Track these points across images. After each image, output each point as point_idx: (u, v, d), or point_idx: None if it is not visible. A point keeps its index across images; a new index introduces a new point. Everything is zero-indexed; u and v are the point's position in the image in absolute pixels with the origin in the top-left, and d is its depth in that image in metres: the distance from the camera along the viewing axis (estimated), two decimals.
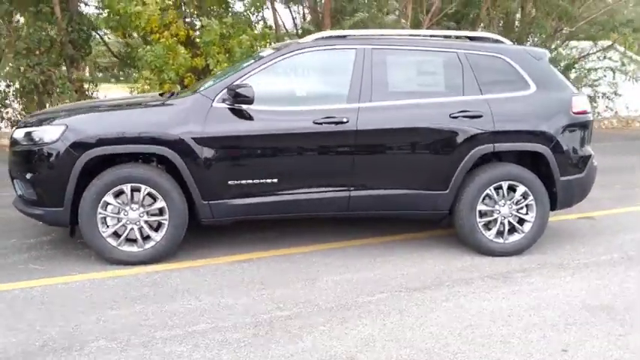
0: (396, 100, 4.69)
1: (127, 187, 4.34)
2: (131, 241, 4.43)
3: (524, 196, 4.80)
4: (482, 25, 16.00)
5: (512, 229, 4.86)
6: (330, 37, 4.91)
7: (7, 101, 11.93)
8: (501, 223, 4.81)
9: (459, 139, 4.67)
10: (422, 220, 5.34)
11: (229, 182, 4.46)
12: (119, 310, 3.67)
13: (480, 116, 4.69)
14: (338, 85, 4.71)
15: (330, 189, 4.62)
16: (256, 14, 15.00)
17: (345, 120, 4.52)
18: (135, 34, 12.92)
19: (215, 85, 4.58)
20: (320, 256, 4.76)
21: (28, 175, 4.40)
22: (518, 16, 17.33)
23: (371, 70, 4.67)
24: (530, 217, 4.84)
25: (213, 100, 4.44)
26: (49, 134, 4.31)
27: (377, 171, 4.67)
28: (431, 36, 5.34)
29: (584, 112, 4.98)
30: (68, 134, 4.28)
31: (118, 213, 4.37)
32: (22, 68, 10.98)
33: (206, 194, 4.45)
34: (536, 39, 17.51)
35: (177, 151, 4.34)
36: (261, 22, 15.12)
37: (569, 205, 5.19)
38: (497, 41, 5.18)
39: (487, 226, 4.84)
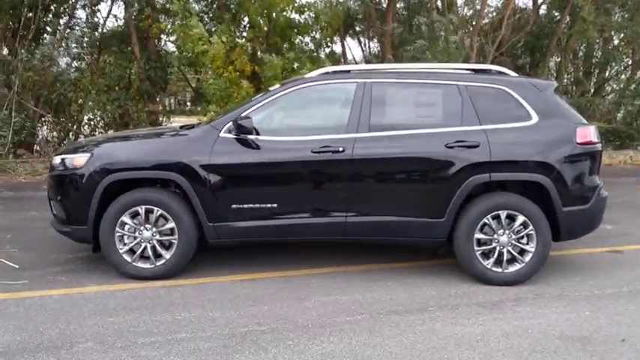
0: (393, 130, 4.91)
1: (141, 209, 4.81)
2: (145, 258, 4.88)
3: (524, 225, 4.82)
4: (553, 56, 15.69)
5: (513, 259, 4.88)
6: (335, 72, 5.22)
7: (92, 133, 13.10)
8: (500, 252, 4.85)
9: (455, 168, 4.79)
10: (423, 247, 5.42)
11: (233, 206, 4.83)
12: (115, 318, 4.10)
13: (476, 146, 4.80)
14: (338, 117, 5.00)
15: (327, 214, 4.87)
16: (325, 48, 15.59)
17: (340, 149, 4.78)
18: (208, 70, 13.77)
19: (224, 117, 5.00)
20: (319, 279, 5.00)
21: (60, 197, 4.98)
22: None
23: (370, 102, 4.92)
24: (531, 247, 4.84)
25: (220, 131, 4.86)
26: (77, 161, 4.89)
27: (372, 198, 4.88)
28: (435, 69, 5.50)
29: (590, 143, 4.95)
30: (93, 161, 4.83)
31: (134, 232, 4.84)
32: (102, 103, 12.10)
33: (212, 217, 4.84)
34: (616, 68, 16.97)
35: (186, 176, 4.77)
36: (328, 55, 15.72)
37: (575, 237, 5.14)
38: (500, 73, 5.27)
39: (486, 254, 4.89)
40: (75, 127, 13.12)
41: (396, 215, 4.87)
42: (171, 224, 4.83)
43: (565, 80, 16.75)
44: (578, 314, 4.30)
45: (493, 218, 4.83)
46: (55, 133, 13.24)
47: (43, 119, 12.86)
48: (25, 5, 12.00)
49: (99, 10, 14.29)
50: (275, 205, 4.84)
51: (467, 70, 5.36)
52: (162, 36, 13.34)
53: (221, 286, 4.81)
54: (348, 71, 5.23)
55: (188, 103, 18.26)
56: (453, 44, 12.32)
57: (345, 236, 4.94)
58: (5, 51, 12.55)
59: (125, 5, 12.49)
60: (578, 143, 4.89)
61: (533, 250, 4.84)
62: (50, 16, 12.85)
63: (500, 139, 4.83)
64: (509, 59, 15.57)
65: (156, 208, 4.81)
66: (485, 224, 4.84)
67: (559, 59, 15.93)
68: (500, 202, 4.83)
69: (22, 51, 11.60)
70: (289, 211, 4.87)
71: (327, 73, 5.20)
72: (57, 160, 5.09)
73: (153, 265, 4.87)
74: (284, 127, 5.14)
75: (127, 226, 4.83)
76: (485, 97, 4.97)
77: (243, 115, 4.86)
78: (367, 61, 16.11)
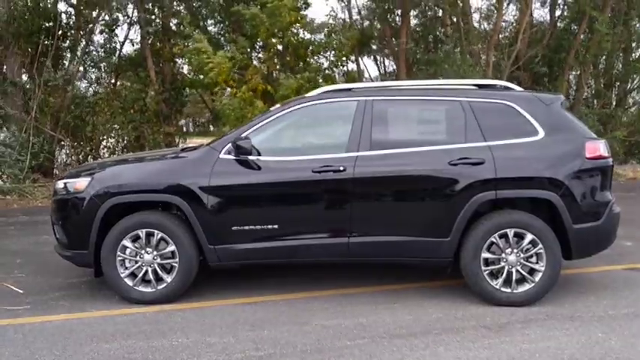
0: (395, 148, 4.81)
1: (142, 232, 4.77)
2: (146, 281, 4.83)
3: (533, 244, 4.66)
4: (572, 69, 15.46)
5: (522, 279, 4.72)
6: (336, 91, 5.15)
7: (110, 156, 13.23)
8: (509, 272, 4.69)
9: (459, 186, 4.67)
10: (429, 268, 5.28)
11: (233, 228, 4.76)
12: (112, 344, 4.04)
13: (481, 163, 4.67)
14: (339, 136, 4.92)
15: (329, 235, 4.78)
16: (341, 67, 15.61)
17: (341, 168, 4.70)
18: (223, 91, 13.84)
19: (223, 138, 4.96)
20: (321, 302, 4.89)
21: (62, 221, 4.98)
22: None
23: (371, 120, 4.84)
24: (540, 266, 4.67)
25: (220, 152, 4.82)
26: (78, 185, 4.88)
27: (375, 217, 4.77)
28: (439, 85, 5.40)
29: (601, 157, 4.79)
30: (93, 185, 4.82)
31: (135, 256, 4.80)
32: (117, 126, 12.25)
33: (212, 239, 4.77)
34: (638, 79, 16.67)
35: (186, 198, 4.72)
36: (345, 74, 15.72)
37: (587, 255, 4.96)
38: (506, 88, 5.15)
39: (494, 274, 4.74)
40: (92, 150, 13.28)
41: (399, 235, 4.75)
42: (171, 247, 4.78)
43: (586, 93, 16.49)
44: (590, 336, 4.11)
45: (500, 237, 4.68)
46: (73, 156, 13.42)
47: (61, 143, 13.04)
48: (43, 31, 12.23)
49: (116, 35, 14.54)
50: (276, 226, 4.77)
51: (471, 85, 5.25)
52: (177, 59, 13.47)
53: (222, 310, 4.72)
54: (350, 89, 5.16)
55: (206, 124, 18.40)
56: (469, 61, 12.21)
57: (349, 257, 4.84)
58: (24, 77, 12.80)
59: (140, 27, 12.65)
60: (587, 158, 4.74)
61: (543, 269, 4.67)
62: (67, 42, 13.07)
63: (505, 156, 4.70)
64: (527, 74, 15.40)
65: (156, 231, 4.77)
66: (492, 243, 4.69)
67: (578, 72, 15.68)
68: (507, 220, 4.68)
69: (42, 75, 11.80)
70: (290, 232, 4.79)
71: (328, 91, 5.14)
72: (59, 184, 5.09)
73: (154, 289, 4.82)
74: (284, 147, 5.06)
75: (128, 250, 4.80)
76: (490, 113, 4.85)
77: (242, 135, 4.81)
78: (382, 80, 16.05)
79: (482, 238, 4.67)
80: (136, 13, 13.12)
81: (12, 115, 11.81)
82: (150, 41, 12.91)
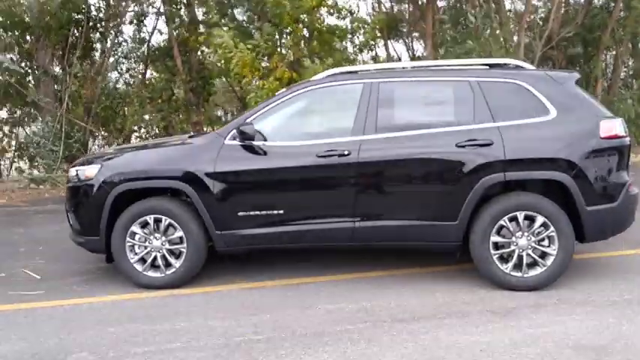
0: (401, 131, 4.72)
1: (150, 218, 4.82)
2: (156, 267, 4.89)
3: (545, 227, 4.53)
4: (608, 48, 14.93)
5: (534, 262, 4.59)
6: (342, 73, 5.08)
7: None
8: (519, 255, 4.57)
9: (466, 168, 4.56)
10: (439, 252, 5.18)
11: (239, 213, 4.77)
12: (117, 328, 4.10)
13: (489, 144, 4.55)
14: (344, 119, 4.86)
15: (335, 220, 4.74)
16: (369, 51, 15.43)
17: (346, 152, 4.64)
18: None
19: (229, 124, 4.96)
20: (329, 286, 4.87)
21: (74, 208, 5.07)
22: None
23: (377, 103, 4.76)
24: (552, 249, 4.54)
25: (225, 138, 4.82)
26: (88, 172, 4.96)
27: (380, 202, 4.71)
28: (448, 66, 5.27)
29: (616, 137, 4.60)
30: (102, 172, 4.89)
31: (144, 241, 4.85)
32: (146, 116, 12.43)
33: (219, 225, 4.79)
34: None
35: (192, 185, 4.74)
36: (373, 59, 15.57)
37: (603, 238, 4.80)
38: (518, 67, 5.00)
39: (505, 258, 4.63)
40: (124, 140, 13.52)
41: (405, 219, 4.68)
42: (179, 233, 4.82)
43: (623, 73, 15.93)
44: (600, 321, 3.97)
45: (510, 220, 4.56)
46: (105, 147, 13.69)
47: (94, 133, 13.32)
48: (73, 23, 12.46)
49: (145, 25, 14.73)
50: (282, 211, 4.75)
51: (482, 65, 5.11)
52: (204, 49, 13.55)
53: (229, 295, 4.75)
54: (356, 72, 5.09)
55: (235, 113, 18.49)
56: (500, 42, 11.91)
57: (355, 242, 4.79)
58: (57, 68, 13.08)
59: (166, 19, 12.77)
60: (602, 137, 4.56)
61: (555, 252, 4.53)
62: (98, 33, 13.30)
63: (515, 137, 4.56)
64: (561, 54, 14.96)
65: (164, 218, 4.81)
66: (502, 226, 4.57)
67: (614, 52, 15.15)
68: (516, 202, 4.55)
69: (73, 67, 12.05)
70: (296, 217, 4.77)
71: (334, 74, 5.07)
72: (72, 172, 5.18)
73: (163, 274, 4.87)
74: (290, 131, 5.01)
75: (137, 236, 4.85)
76: (499, 93, 4.71)
77: (247, 121, 4.80)
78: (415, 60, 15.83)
79: (490, 222, 4.56)
80: (163, 6, 13.26)
81: (45, 107, 12.10)
82: (177, 32, 13.01)
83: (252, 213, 4.76)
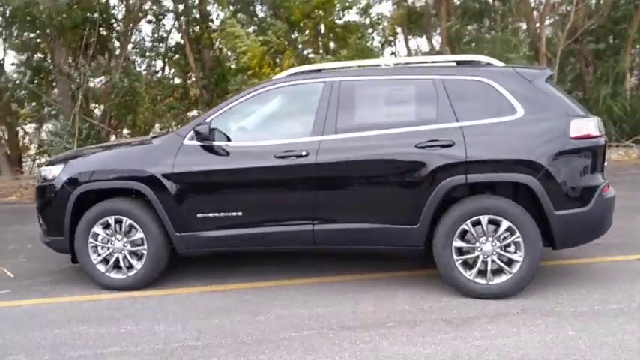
0: (361, 132, 4.56)
1: (111, 219, 4.80)
2: (118, 268, 4.87)
3: (511, 232, 4.31)
4: (635, 41, 14.28)
5: (500, 270, 4.38)
6: (304, 72, 4.95)
7: None
8: (484, 261, 4.37)
9: (426, 170, 4.37)
10: (405, 256, 4.99)
11: (198, 215, 4.69)
12: (64, 329, 4.10)
13: (450, 145, 4.36)
14: (305, 119, 4.72)
15: (294, 223, 4.62)
16: (387, 46, 15.22)
17: (304, 153, 4.52)
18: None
19: (189, 124, 4.89)
20: (290, 290, 4.75)
21: (41, 208, 5.09)
22: None
23: (337, 102, 4.62)
24: (519, 255, 4.31)
25: (184, 138, 4.75)
26: (53, 173, 4.97)
27: (340, 204, 4.57)
28: (413, 63, 5.07)
29: (588, 137, 4.34)
30: (66, 172, 4.89)
31: (107, 242, 4.84)
32: (159, 112, 12.52)
33: (178, 227, 4.73)
34: None
35: (150, 186, 4.69)
36: (392, 54, 15.34)
37: (574, 244, 4.55)
38: (488, 64, 4.76)
39: (469, 264, 4.43)
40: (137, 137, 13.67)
41: (365, 222, 4.52)
42: (140, 234, 4.79)
43: None
44: (558, 334, 3.75)
45: (474, 224, 4.36)
46: None
47: (109, 131, 13.51)
48: (88, 23, 12.62)
49: (164, 25, 14.84)
50: (240, 213, 4.66)
51: (451, 62, 4.90)
52: (216, 45, 13.58)
53: (187, 298, 4.69)
54: (319, 70, 4.94)
55: None
56: (510, 39, 11.54)
57: (314, 245, 4.65)
58: (71, 67, 13.30)
59: (176, 16, 12.83)
60: (572, 138, 4.31)
61: (521, 259, 4.31)
62: (114, 32, 13.46)
63: (477, 137, 4.35)
64: (587, 48, 14.40)
65: (125, 219, 4.78)
66: (465, 231, 4.37)
67: None
68: (479, 206, 4.35)
69: (88, 65, 12.24)
70: (255, 220, 4.67)
71: (297, 73, 4.94)
72: (40, 172, 5.21)
73: (125, 276, 4.85)
74: (250, 131, 4.92)
75: (99, 237, 4.84)
76: (464, 91, 4.50)
77: (206, 120, 4.72)
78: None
79: (452, 226, 4.36)
80: (173, 4, 13.33)
81: (60, 107, 12.32)
82: (189, 29, 13.06)
83: (210, 215, 4.69)
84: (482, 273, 4.38)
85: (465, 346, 3.61)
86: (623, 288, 4.54)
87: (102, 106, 14.24)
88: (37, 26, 12.48)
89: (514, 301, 4.32)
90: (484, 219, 4.33)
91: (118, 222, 4.81)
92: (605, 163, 4.55)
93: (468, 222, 4.35)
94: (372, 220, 4.52)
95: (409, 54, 15.94)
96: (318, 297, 4.58)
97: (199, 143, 4.69)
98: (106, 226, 4.83)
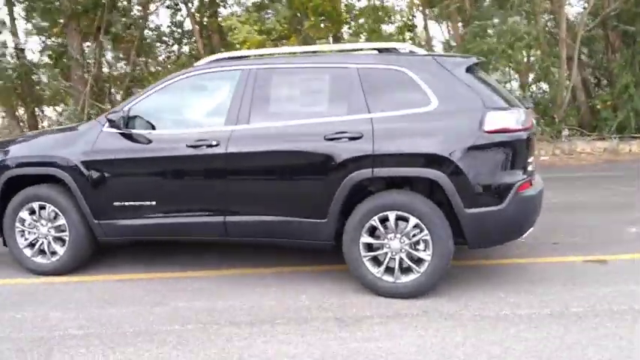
0: (274, 121, 4.44)
1: (35, 205, 4.85)
2: (43, 253, 4.93)
3: (419, 229, 4.11)
4: None
5: (409, 268, 4.19)
6: (225, 59, 4.83)
7: None
8: (391, 259, 4.19)
9: (333, 163, 4.20)
10: (315, 250, 4.81)
11: (115, 203, 4.69)
12: None
13: (358, 137, 4.17)
14: (219, 108, 4.62)
15: (206, 214, 4.55)
16: (405, 32, 14.92)
17: (214, 143, 4.43)
18: None
19: (109, 111, 4.87)
20: (205, 282, 4.68)
21: None
22: None
23: (253, 91, 4.50)
24: (427, 254, 4.12)
25: (103, 126, 4.73)
26: None
27: (249, 196, 4.46)
28: (339, 51, 4.87)
29: (506, 131, 4.07)
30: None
31: (33, 228, 4.90)
32: None
33: (97, 214, 4.74)
34: None
35: (69, 172, 4.71)
36: (410, 39, 15.00)
37: (489, 244, 4.32)
38: (411, 52, 4.52)
39: (380, 261, 4.25)
40: None
41: (275, 215, 4.40)
42: (62, 221, 4.82)
43: None
44: (444, 339, 3.56)
45: (382, 221, 4.17)
46: None
47: None
48: (100, 8, 12.83)
49: (180, 9, 14.95)
50: (154, 203, 4.62)
51: (372, 49, 4.68)
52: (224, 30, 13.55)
53: (101, 286, 4.70)
54: (240, 57, 4.82)
55: None
56: (519, 25, 11.01)
57: (228, 237, 4.58)
58: (83, 51, 13.55)
59: (185, 2, 12.88)
60: (487, 131, 4.04)
61: (429, 257, 4.11)
62: (125, 17, 13.65)
63: (386, 129, 4.15)
64: (613, 33, 13.63)
65: (47, 205, 4.83)
66: (375, 227, 4.20)
67: None
68: (386, 201, 4.16)
69: (100, 50, 12.46)
70: (168, 210, 4.62)
71: (218, 59, 4.83)
72: None
73: (48, 261, 4.90)
74: (165, 119, 4.82)
75: (26, 222, 4.90)
76: (378, 81, 4.29)
77: (125, 108, 4.69)
78: (447, 43, 15.03)
79: (359, 221, 4.20)
80: None
81: (71, 92, 12.61)
82: (198, 13, 13.09)
83: (126, 203, 4.67)
84: (390, 271, 4.21)
85: (338, 348, 3.47)
86: (548, 292, 4.27)
87: (121, 92, 14.46)
88: (52, 11, 12.77)
89: (421, 302, 4.14)
90: (392, 215, 4.14)
91: (42, 208, 4.85)
92: (531, 159, 4.28)
93: (375, 218, 4.17)
94: (281, 213, 4.39)
95: (428, 40, 15.48)
96: (227, 290, 4.51)
97: (117, 131, 4.66)
98: (32, 211, 4.89)
